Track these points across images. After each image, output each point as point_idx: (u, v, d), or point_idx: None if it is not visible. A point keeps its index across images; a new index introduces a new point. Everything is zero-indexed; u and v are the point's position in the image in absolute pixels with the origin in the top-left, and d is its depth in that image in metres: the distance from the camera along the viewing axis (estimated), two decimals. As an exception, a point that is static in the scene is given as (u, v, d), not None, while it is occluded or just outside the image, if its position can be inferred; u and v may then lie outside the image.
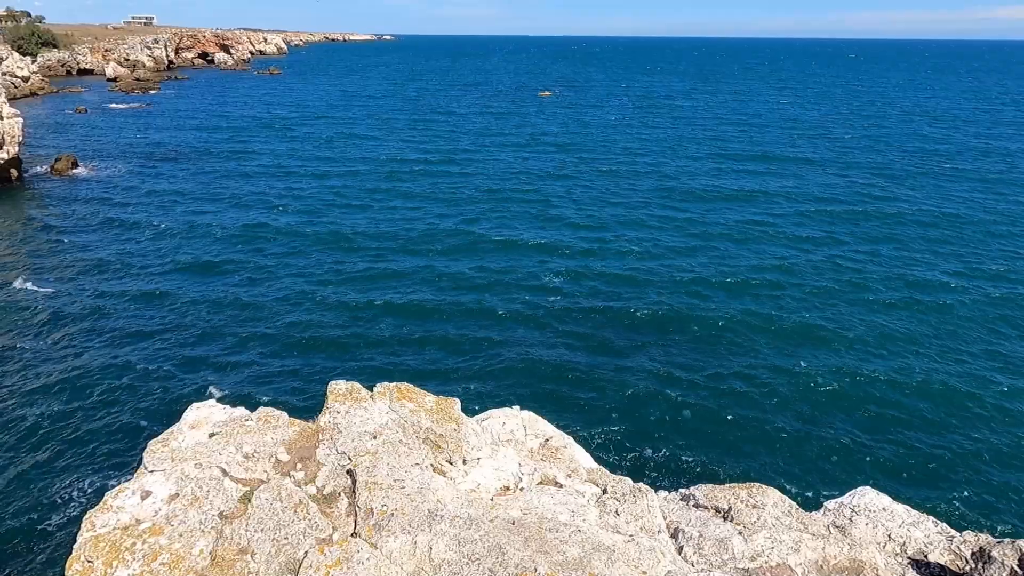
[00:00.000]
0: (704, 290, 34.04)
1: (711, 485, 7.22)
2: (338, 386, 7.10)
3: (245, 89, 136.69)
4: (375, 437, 6.33)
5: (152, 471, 5.76)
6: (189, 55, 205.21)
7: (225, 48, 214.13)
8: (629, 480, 7.80)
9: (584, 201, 51.64)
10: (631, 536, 6.03)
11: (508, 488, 6.87)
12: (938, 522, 7.48)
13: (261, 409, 7.04)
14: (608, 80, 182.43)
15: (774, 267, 38.04)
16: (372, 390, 7.30)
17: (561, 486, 7.10)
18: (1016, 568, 5.11)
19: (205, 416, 7.08)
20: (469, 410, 10.86)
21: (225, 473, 5.78)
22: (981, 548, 5.59)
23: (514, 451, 7.88)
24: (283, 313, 31.36)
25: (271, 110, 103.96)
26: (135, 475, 5.83)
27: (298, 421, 6.88)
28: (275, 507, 5.23)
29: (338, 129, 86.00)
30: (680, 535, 6.35)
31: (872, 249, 41.37)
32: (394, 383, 7.38)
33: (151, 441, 6.23)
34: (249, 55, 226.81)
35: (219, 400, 7.83)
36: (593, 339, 29.30)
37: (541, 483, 7.24)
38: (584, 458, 9.67)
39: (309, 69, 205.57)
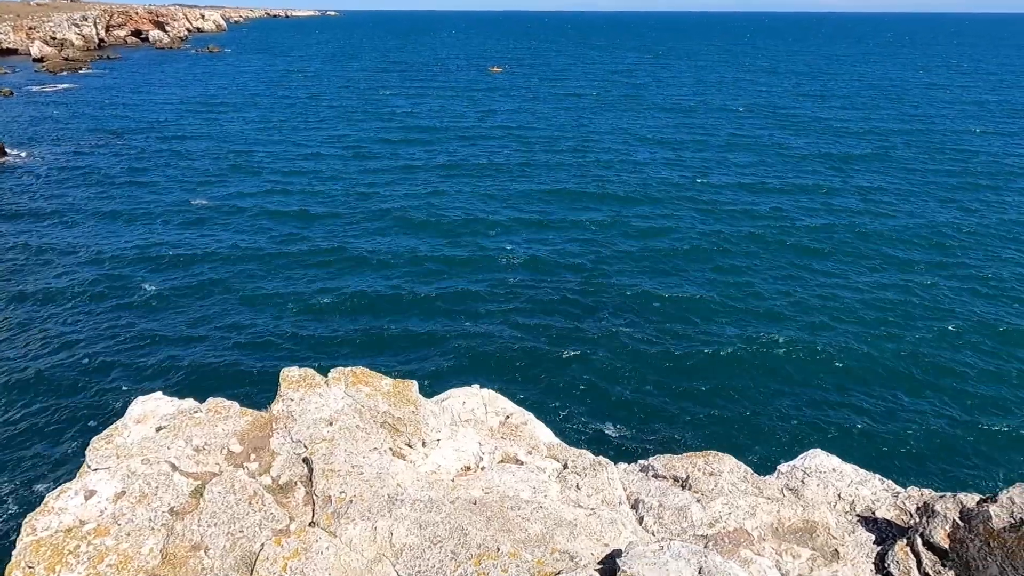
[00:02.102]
0: (663, 268, 34.48)
1: (669, 455, 7.33)
2: (291, 373, 6.92)
3: (182, 68, 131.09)
4: (331, 423, 6.19)
5: (96, 469, 5.51)
6: (121, 33, 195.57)
7: (160, 25, 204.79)
8: (589, 454, 7.86)
9: (541, 178, 51.50)
10: (592, 509, 6.08)
11: (469, 468, 6.83)
12: (884, 479, 7.78)
13: (211, 400, 6.81)
14: (559, 55, 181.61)
15: (731, 244, 38.79)
16: (327, 376, 7.14)
17: (522, 463, 7.10)
18: (957, 520, 5.34)
19: (152, 410, 6.82)
20: (429, 390, 10.80)
21: (175, 468, 5.57)
22: (925, 503, 5.82)
23: (474, 431, 7.84)
24: (231, 301, 30.50)
25: (209, 91, 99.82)
26: (78, 474, 5.58)
27: (250, 411, 6.68)
28: (228, 500, 5.08)
29: (280, 110, 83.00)
30: (640, 506, 6.44)
31: (822, 225, 42.59)
32: (349, 367, 7.23)
33: (94, 438, 5.96)
34: (186, 32, 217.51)
35: (166, 393, 7.56)
36: (553, 317, 29.44)
37: (502, 461, 7.23)
38: (545, 434, 9.71)
39: (251, 47, 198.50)
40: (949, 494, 6.38)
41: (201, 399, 7.15)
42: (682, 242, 37.72)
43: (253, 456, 5.95)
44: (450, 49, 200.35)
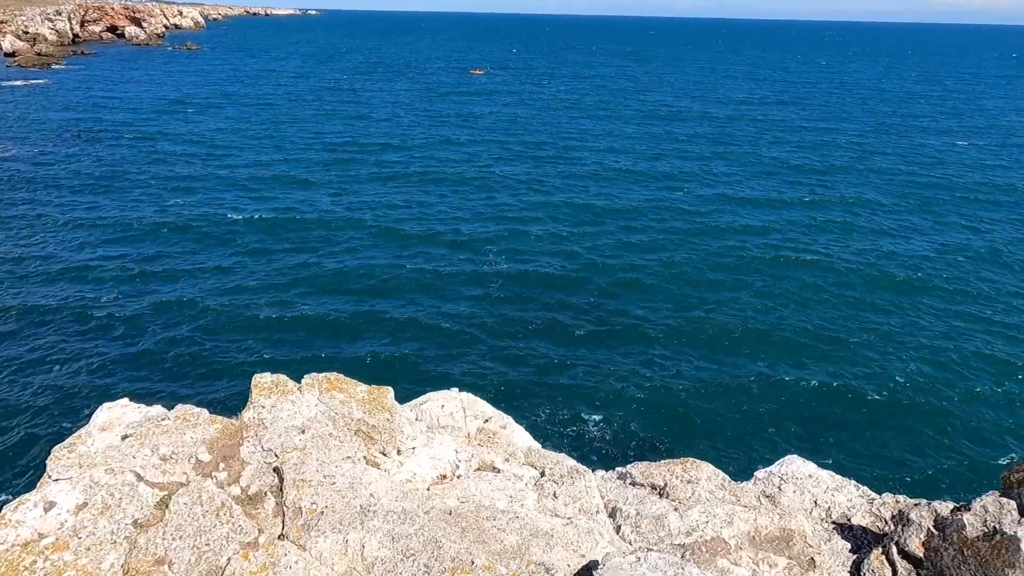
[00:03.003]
0: (645, 275, 34.51)
1: (647, 463, 7.28)
2: (263, 379, 6.76)
3: (158, 66, 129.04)
4: (303, 431, 6.06)
5: (57, 480, 5.32)
6: (97, 28, 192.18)
7: (136, 21, 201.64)
8: (568, 460, 7.79)
9: (524, 183, 51.44)
10: (569, 519, 6.02)
11: (445, 476, 6.73)
12: (859, 485, 7.82)
13: (179, 407, 6.63)
14: (538, 58, 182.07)
15: (710, 252, 39.07)
16: (300, 382, 7.00)
17: (499, 471, 7.02)
18: (932, 529, 5.36)
19: (117, 417, 6.62)
20: (408, 393, 10.65)
21: (140, 478, 5.40)
22: (900, 511, 5.84)
23: (451, 437, 7.74)
24: (202, 306, 29.91)
25: (186, 89, 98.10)
26: (38, 485, 5.38)
27: (220, 418, 6.52)
28: (195, 511, 4.93)
29: (258, 111, 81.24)
30: (618, 514, 6.39)
31: (802, 235, 43.11)
32: (323, 373, 7.09)
33: (56, 447, 5.76)
34: (163, 29, 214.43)
35: (134, 399, 7.35)
36: (533, 322, 29.39)
37: (479, 469, 7.13)
38: (523, 438, 9.63)
39: (229, 45, 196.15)
40: (924, 502, 6.41)
41: (170, 406, 6.96)
42: (664, 250, 37.86)
43: (222, 465, 5.79)
44: (431, 51, 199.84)
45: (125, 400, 7.12)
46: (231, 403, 20.59)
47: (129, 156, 56.52)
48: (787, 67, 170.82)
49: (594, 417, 22.88)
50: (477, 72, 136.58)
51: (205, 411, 6.54)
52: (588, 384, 24.74)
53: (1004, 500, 5.16)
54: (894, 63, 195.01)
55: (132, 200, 44.62)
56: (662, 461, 7.41)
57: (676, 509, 6.28)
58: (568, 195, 48.24)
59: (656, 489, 6.79)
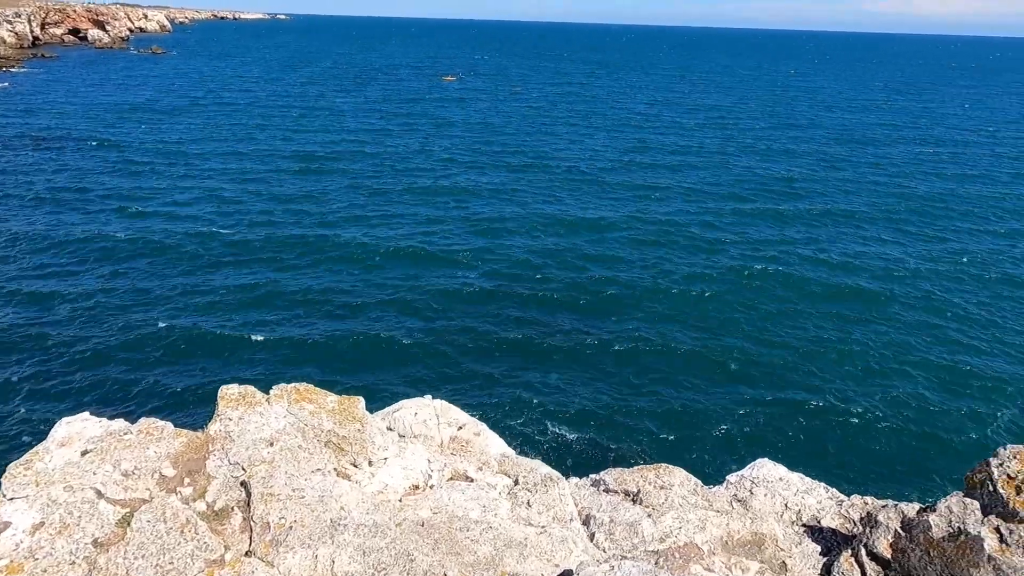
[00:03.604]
0: (616, 285, 34.67)
1: (620, 469, 7.29)
2: (230, 391, 6.61)
3: (122, 70, 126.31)
4: (272, 444, 5.93)
5: (12, 499, 5.13)
6: (58, 31, 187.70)
7: (100, 24, 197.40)
8: (542, 468, 7.76)
9: (496, 190, 51.43)
10: (543, 527, 5.98)
11: (418, 487, 6.65)
12: (829, 488, 7.93)
13: (143, 420, 6.44)
14: (511, 66, 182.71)
15: (681, 257, 39.49)
16: (268, 393, 6.86)
17: (472, 480, 6.96)
18: (899, 530, 5.44)
19: (78, 432, 6.42)
20: (382, 402, 10.51)
21: (100, 495, 5.23)
22: (868, 513, 5.93)
23: (423, 447, 7.65)
24: (166, 317, 29.24)
25: (148, 94, 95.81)
26: (-8, 504, 5.18)
27: (185, 431, 6.35)
28: (158, 529, 4.78)
29: (224, 117, 79.38)
30: (592, 521, 6.37)
31: (767, 239, 43.82)
32: (292, 384, 6.96)
33: (11, 464, 5.56)
34: (128, 32, 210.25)
35: (95, 413, 7.13)
36: (508, 329, 29.36)
37: (452, 479, 7.06)
38: (497, 445, 9.57)
39: (196, 49, 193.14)
40: (891, 503, 6.52)
41: (133, 420, 6.78)
42: (636, 260, 38.09)
43: (187, 480, 5.64)
44: (402, 57, 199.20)
45: (86, 414, 6.91)
46: (197, 416, 20.14)
47: (89, 164, 54.67)
48: (741, 74, 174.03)
49: (568, 423, 22.91)
50: (449, 78, 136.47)
51: (170, 424, 6.37)
52: (563, 390, 24.77)
53: (968, 500, 5.26)
54: (846, 72, 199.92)
55: (92, 211, 43.08)
56: (635, 467, 7.43)
57: (650, 515, 6.29)
58: (541, 204, 48.38)
59: (630, 495, 6.79)
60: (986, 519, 4.92)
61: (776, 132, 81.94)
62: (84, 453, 5.75)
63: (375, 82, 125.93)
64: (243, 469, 5.60)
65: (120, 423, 6.58)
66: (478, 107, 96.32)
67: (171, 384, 24.21)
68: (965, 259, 39.53)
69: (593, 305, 31.36)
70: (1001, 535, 4.72)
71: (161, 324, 28.32)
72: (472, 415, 10.41)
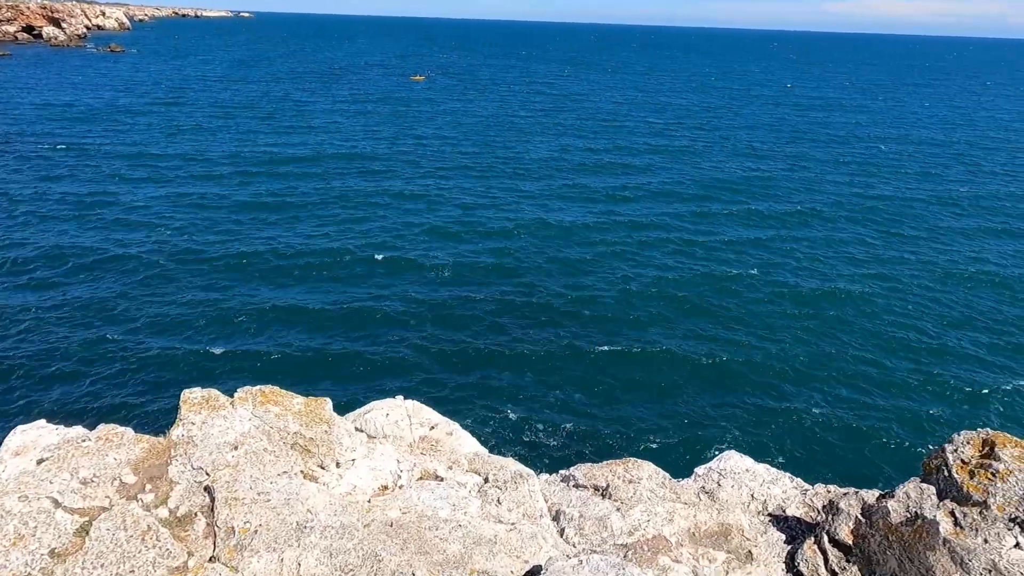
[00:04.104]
0: (586, 285, 34.78)
1: (590, 464, 7.34)
2: (192, 394, 6.48)
3: (77, 69, 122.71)
4: (236, 447, 5.83)
5: (-37, 510, 4.96)
6: (11, 28, 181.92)
7: (55, 22, 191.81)
8: (512, 465, 7.77)
9: (467, 192, 51.23)
10: (513, 524, 5.99)
11: (387, 487, 6.60)
12: (793, 477, 8.09)
13: (102, 427, 6.29)
14: (483, 65, 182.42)
15: (652, 253, 39.88)
16: (233, 396, 6.74)
17: (442, 479, 6.94)
18: (860, 516, 5.57)
19: (33, 440, 6.25)
20: (355, 403, 10.36)
21: (57, 504, 5.09)
22: (831, 501, 6.06)
23: (392, 447, 7.61)
24: (126, 320, 28.45)
25: (105, 94, 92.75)
26: (-58, 517, 5.00)
27: (146, 437, 6.21)
28: (118, 537, 4.67)
29: (184, 118, 76.58)
30: (562, 517, 6.40)
31: (736, 237, 44.49)
32: (257, 386, 6.85)
33: (-38, 475, 5.38)
34: (85, 30, 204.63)
35: (52, 421, 6.93)
36: (479, 329, 29.32)
37: (421, 478, 7.03)
38: (469, 444, 9.56)
39: (156, 48, 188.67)
40: (852, 490, 6.68)
41: (92, 426, 6.61)
42: (606, 260, 38.28)
43: (149, 487, 5.52)
44: (369, 56, 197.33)
45: (42, 422, 6.72)
46: (160, 422, 19.68)
47: (43, 169, 51.64)
48: (709, 73, 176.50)
49: (542, 421, 22.99)
50: (418, 78, 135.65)
51: (130, 430, 6.23)
52: (536, 389, 24.84)
53: (925, 486, 5.42)
54: (804, 70, 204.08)
55: (47, 218, 41.04)
56: (604, 462, 7.49)
57: (619, 509, 6.34)
58: (511, 206, 48.35)
59: (599, 490, 6.84)
60: (941, 503, 5.06)
61: (746, 132, 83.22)
62: (40, 462, 5.59)
63: (342, 81, 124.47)
64: (207, 474, 5.50)
65: (78, 430, 6.41)
66: (447, 107, 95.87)
67: (132, 392, 23.60)
68: (926, 259, 40.67)
69: (564, 307, 31.47)
70: (956, 519, 4.87)
71: (120, 334, 27.52)
72: (445, 415, 10.39)
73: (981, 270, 37.90)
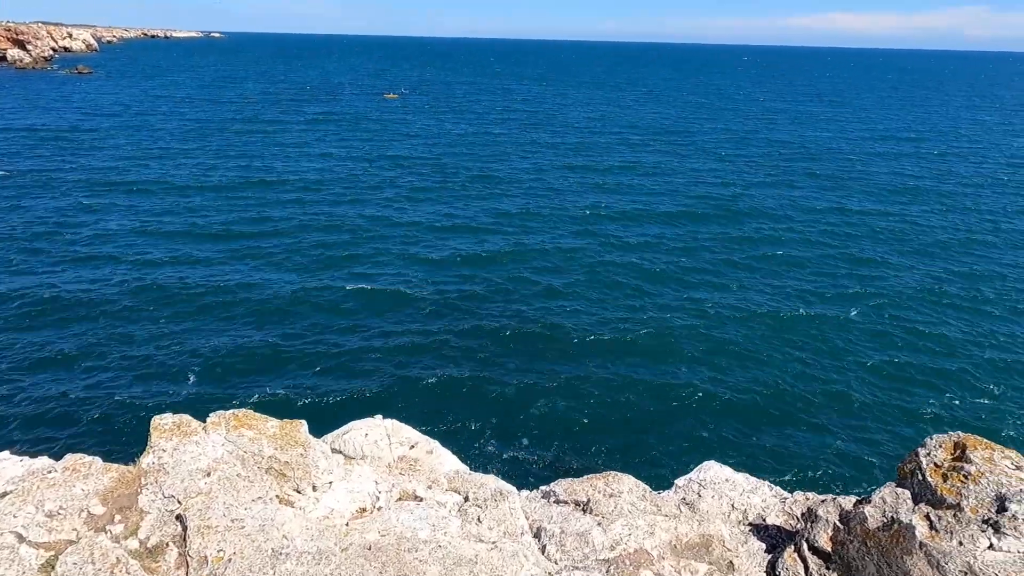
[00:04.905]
0: (563, 294, 34.86)
1: (570, 479, 7.30)
2: (163, 420, 6.34)
3: (42, 91, 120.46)
4: (209, 474, 5.70)
5: (-79, 549, 4.77)
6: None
7: (20, 44, 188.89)
8: (492, 482, 7.70)
9: (441, 211, 51.15)
10: (494, 543, 5.92)
11: (365, 509, 6.50)
12: (772, 486, 8.13)
13: (68, 457, 6.11)
14: (456, 83, 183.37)
15: (625, 268, 40.15)
16: (205, 421, 6.61)
17: (421, 499, 6.85)
18: (838, 523, 5.61)
19: (-4, 472, 6.05)
20: (333, 423, 10.18)
21: (22, 539, 4.93)
22: (809, 508, 6.10)
23: (370, 468, 7.51)
24: (94, 346, 27.70)
25: (67, 116, 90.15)
26: (-101, 556, 4.80)
27: (116, 466, 6.05)
28: (86, 571, 4.53)
29: (151, 143, 74.11)
30: (543, 534, 6.35)
31: (706, 246, 45.05)
32: (231, 410, 6.73)
33: (-79, 511, 5.18)
34: (51, 52, 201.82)
35: (15, 452, 6.73)
36: (459, 347, 29.18)
37: (400, 499, 6.94)
38: (449, 462, 9.46)
39: (124, 69, 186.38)
40: (830, 497, 6.73)
41: (58, 456, 6.42)
42: (582, 274, 38.40)
43: (118, 517, 5.37)
44: (342, 75, 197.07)
45: (5, 453, 6.53)
46: (130, 449, 19.17)
47: (4, 196, 49.45)
48: (682, 90, 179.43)
49: (523, 437, 22.89)
50: (391, 96, 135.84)
51: (98, 459, 6.06)
52: (517, 406, 24.75)
53: (900, 490, 5.48)
54: (779, 84, 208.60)
55: (2, 244, 39.45)
56: (585, 476, 7.46)
57: (600, 524, 6.31)
58: (486, 224, 48.35)
59: (580, 505, 6.81)
60: (916, 507, 5.12)
61: (730, 148, 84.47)
62: (3, 495, 5.41)
63: (314, 101, 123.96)
64: (178, 502, 5.37)
65: (44, 461, 6.23)
66: (421, 125, 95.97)
67: (101, 419, 22.98)
68: (897, 278, 41.52)
69: (543, 324, 31.44)
70: (931, 522, 4.92)
71: (88, 360, 26.79)
72: (426, 433, 10.27)
73: (947, 290, 38.81)
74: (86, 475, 5.72)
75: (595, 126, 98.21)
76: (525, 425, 23.50)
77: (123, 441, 21.13)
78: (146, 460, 5.88)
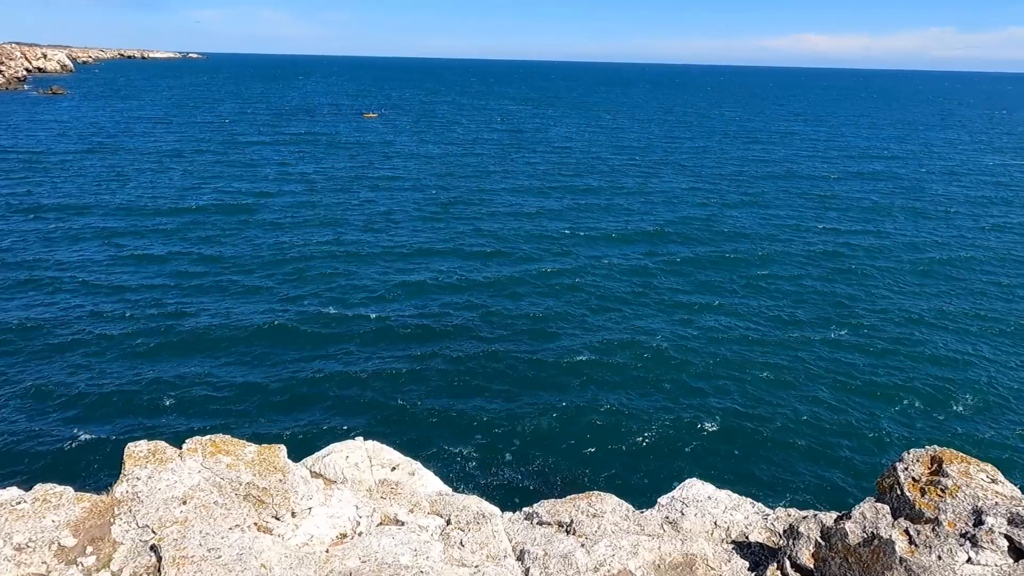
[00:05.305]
0: (544, 323, 34.72)
1: (553, 500, 7.26)
2: (137, 448, 6.21)
3: (13, 112, 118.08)
4: (185, 502, 5.59)
5: None
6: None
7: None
8: (475, 504, 7.63)
9: (418, 232, 51.04)
10: (476, 567, 5.86)
11: (345, 535, 6.40)
12: (755, 502, 8.15)
13: (39, 487, 5.96)
14: (435, 102, 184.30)
15: (603, 295, 40.35)
16: (181, 447, 6.48)
17: (403, 523, 6.76)
18: (819, 539, 5.64)
19: (-38, 505, 5.86)
20: (313, 447, 9.96)
21: (-12, 574, 4.77)
22: (791, 525, 6.11)
23: (351, 492, 7.40)
24: (65, 370, 26.95)
25: (39, 137, 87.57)
26: None
27: (88, 495, 5.90)
28: (56, 606, 4.39)
29: (127, 164, 71.98)
30: (526, 556, 6.29)
31: (686, 259, 45.50)
32: (207, 436, 6.62)
33: None
34: (24, 73, 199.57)
35: (-17, 482, 6.53)
36: (439, 367, 28.99)
37: (382, 523, 6.84)
38: (432, 484, 9.36)
39: (100, 90, 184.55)
40: (811, 513, 6.76)
41: (28, 486, 6.25)
42: (563, 292, 38.46)
43: (90, 549, 5.23)
44: (321, 96, 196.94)
45: (-28, 485, 6.34)
46: (103, 478, 18.62)
47: None
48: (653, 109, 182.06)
49: (506, 456, 22.74)
50: (370, 115, 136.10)
51: (69, 489, 5.92)
52: (499, 424, 24.61)
53: (879, 505, 5.52)
54: (759, 104, 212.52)
55: None
56: (568, 497, 7.42)
57: (583, 545, 6.27)
58: (468, 243, 48.36)
59: (563, 526, 6.76)
60: (896, 522, 5.16)
61: (708, 167, 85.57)
62: (-30, 528, 5.25)
63: (293, 121, 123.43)
64: (153, 532, 5.24)
65: (12, 492, 6.06)
66: (400, 145, 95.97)
67: (73, 448, 22.35)
68: (866, 281, 42.21)
69: (525, 346, 31.32)
70: (910, 536, 4.96)
71: (59, 388, 25.94)
72: (408, 455, 10.15)
73: (908, 309, 39.48)
74: (57, 505, 5.58)
75: (575, 146, 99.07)
76: (509, 444, 23.36)
77: (96, 470, 20.55)
78: (119, 489, 5.75)
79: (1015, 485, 5.42)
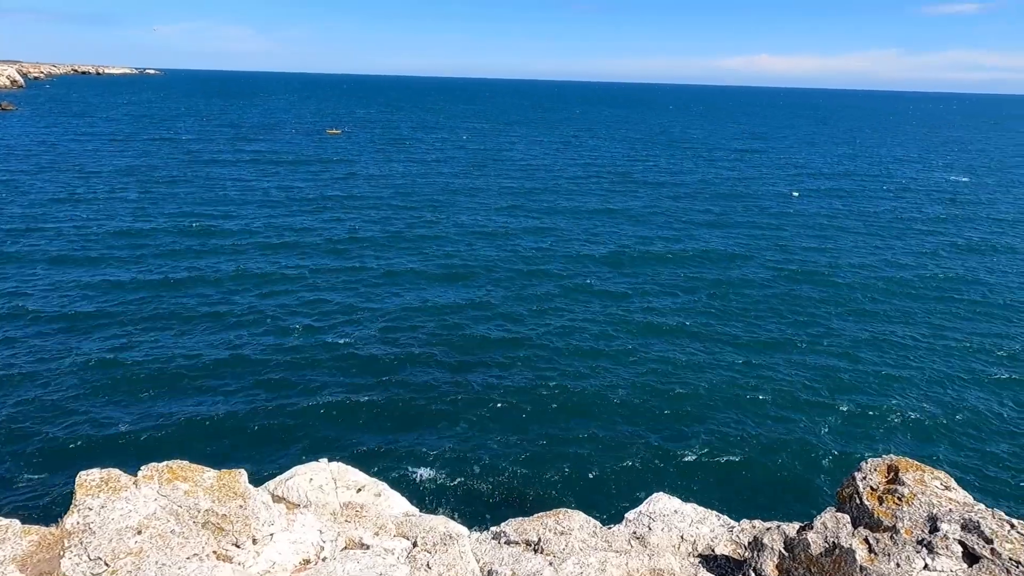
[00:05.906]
0: (510, 345, 34.61)
1: (520, 518, 7.22)
2: (89, 476, 5.98)
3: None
4: (140, 531, 5.40)
5: None
6: None
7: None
8: (442, 525, 7.54)
9: (386, 251, 50.78)
10: (444, 590, 5.78)
11: (308, 561, 6.25)
12: (720, 515, 8.23)
13: (-17, 520, 5.69)
14: (400, 120, 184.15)
15: (571, 302, 40.58)
16: (136, 475, 6.27)
17: (368, 547, 6.64)
18: (783, 551, 5.71)
19: (-101, 541, 5.57)
20: (277, 468, 9.72)
21: (-73, 614, 4.53)
22: (755, 537, 6.18)
23: (314, 516, 7.24)
24: (13, 400, 25.95)
25: None
26: None
27: (36, 528, 5.67)
28: (0, 647, 4.18)
29: (79, 184, 68.90)
30: (494, 577, 6.23)
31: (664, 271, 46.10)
32: (164, 462, 6.41)
33: None
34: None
35: (-78, 517, 6.20)
36: (406, 386, 28.75)
37: (346, 547, 6.71)
38: (398, 504, 9.23)
39: (50, 106, 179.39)
40: (774, 524, 6.85)
41: (-29, 520, 5.96)
42: (529, 314, 38.51)
43: (38, 584, 5.00)
44: (283, 113, 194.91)
45: (-90, 520, 6.02)
46: (52, 510, 17.81)
47: None
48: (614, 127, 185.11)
49: (474, 474, 22.55)
50: (334, 132, 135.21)
51: (16, 522, 5.67)
52: (467, 443, 24.44)
53: (840, 515, 5.63)
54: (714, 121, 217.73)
55: None
56: (535, 515, 7.39)
57: (551, 564, 6.24)
58: (432, 262, 48.27)
59: (531, 545, 6.73)
60: (856, 531, 5.27)
61: (670, 188, 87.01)
62: (-93, 567, 4.99)
63: (253, 139, 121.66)
64: (106, 564, 5.05)
65: (-46, 526, 5.77)
66: (362, 161, 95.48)
67: (20, 480, 21.36)
68: (835, 298, 43.34)
69: (492, 367, 31.21)
70: (870, 545, 5.07)
71: (6, 422, 24.89)
72: (374, 475, 9.99)
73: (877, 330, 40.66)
74: (2, 539, 5.34)
75: (538, 164, 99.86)
76: (476, 464, 23.19)
77: (45, 502, 19.67)
78: (70, 520, 5.53)
79: (967, 492, 5.59)
